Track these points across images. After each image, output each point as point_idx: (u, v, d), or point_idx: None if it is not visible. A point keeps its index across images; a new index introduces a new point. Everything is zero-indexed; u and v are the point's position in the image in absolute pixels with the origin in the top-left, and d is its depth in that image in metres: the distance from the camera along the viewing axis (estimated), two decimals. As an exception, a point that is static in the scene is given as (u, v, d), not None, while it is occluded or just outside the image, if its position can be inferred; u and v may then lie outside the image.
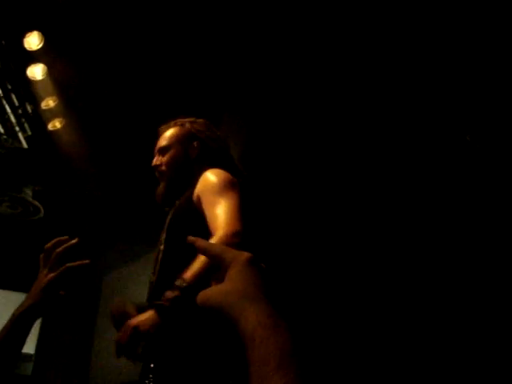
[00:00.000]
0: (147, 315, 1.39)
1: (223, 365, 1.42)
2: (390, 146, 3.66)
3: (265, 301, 0.61)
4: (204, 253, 0.71)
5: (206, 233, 1.52)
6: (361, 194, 3.75)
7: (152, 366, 1.49)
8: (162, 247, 1.68)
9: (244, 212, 1.55)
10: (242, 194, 1.61)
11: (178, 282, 1.41)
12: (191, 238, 0.71)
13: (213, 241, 1.44)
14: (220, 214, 1.52)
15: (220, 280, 0.66)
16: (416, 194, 3.63)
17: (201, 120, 1.90)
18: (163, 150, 1.83)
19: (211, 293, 0.65)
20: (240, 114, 3.63)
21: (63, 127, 3.57)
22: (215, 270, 1.36)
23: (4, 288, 3.92)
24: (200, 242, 0.71)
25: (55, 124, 3.57)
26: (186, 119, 1.89)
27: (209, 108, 3.69)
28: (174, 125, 1.88)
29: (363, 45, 3.33)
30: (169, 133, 1.86)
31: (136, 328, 1.37)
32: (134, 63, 3.57)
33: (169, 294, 1.40)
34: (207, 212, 1.56)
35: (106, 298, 4.03)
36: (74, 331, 4.04)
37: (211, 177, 1.64)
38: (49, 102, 3.54)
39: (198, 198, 1.63)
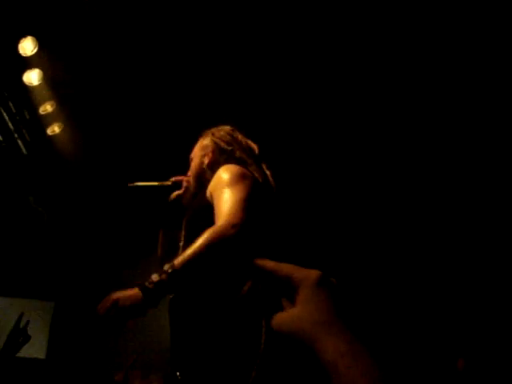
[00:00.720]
0: (131, 292, 1.40)
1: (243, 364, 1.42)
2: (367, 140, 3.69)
3: (341, 326, 0.60)
4: (273, 273, 0.68)
5: None
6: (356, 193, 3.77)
7: (178, 374, 1.51)
8: (181, 244, 1.71)
9: (251, 204, 1.55)
10: (254, 188, 1.61)
11: (165, 267, 1.42)
12: (259, 262, 0.69)
13: (210, 231, 1.45)
14: (223, 204, 1.53)
15: (291, 300, 0.65)
16: (416, 194, 3.65)
17: (225, 127, 1.96)
18: (190, 161, 1.95)
19: (284, 318, 0.63)
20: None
21: (62, 131, 3.56)
22: (207, 258, 1.40)
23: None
24: (268, 264, 0.69)
25: (54, 129, 3.56)
26: (212, 129, 1.96)
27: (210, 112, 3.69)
28: (200, 136, 1.97)
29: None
30: (196, 145, 1.96)
31: (116, 301, 1.39)
32: (130, 65, 3.56)
33: (155, 276, 1.40)
34: (215, 205, 1.58)
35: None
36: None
37: (222, 172, 1.66)
38: (47, 107, 3.53)
39: (211, 194, 1.65)
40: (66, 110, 3.58)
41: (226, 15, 3.30)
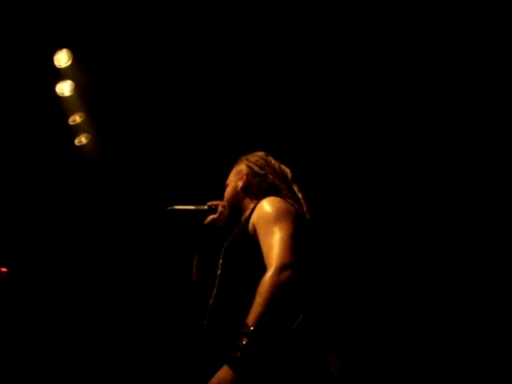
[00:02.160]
0: (224, 371, 1.41)
1: None
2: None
3: None
4: None
5: (260, 261, 1.57)
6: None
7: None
8: (218, 272, 1.74)
9: (298, 241, 1.58)
10: (297, 221, 1.65)
11: (243, 329, 1.43)
12: None
13: (266, 282, 1.49)
14: (272, 246, 1.56)
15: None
16: (416, 194, 3.65)
17: (259, 152, 2.01)
18: (226, 187, 2.02)
19: None
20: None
21: (89, 142, 3.63)
22: (273, 308, 1.43)
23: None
24: None
25: (81, 139, 3.63)
26: (246, 155, 2.02)
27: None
28: (235, 163, 2.04)
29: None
30: (232, 171, 2.03)
31: None
32: (160, 79, 3.62)
33: (238, 343, 1.41)
34: (262, 243, 1.61)
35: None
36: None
37: (266, 206, 1.69)
38: (76, 118, 3.59)
39: (254, 227, 1.68)
40: (94, 122, 3.64)
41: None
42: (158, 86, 3.66)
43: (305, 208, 1.82)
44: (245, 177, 1.92)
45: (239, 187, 1.92)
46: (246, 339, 1.41)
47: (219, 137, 3.66)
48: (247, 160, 1.98)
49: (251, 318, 1.44)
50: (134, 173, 3.75)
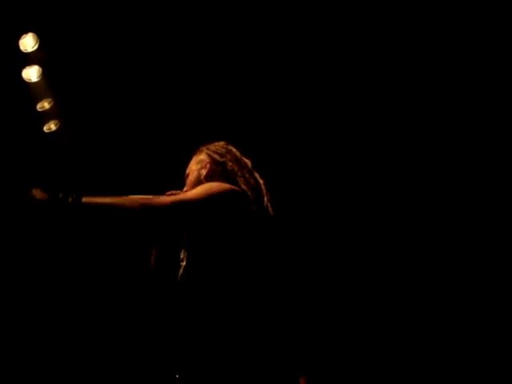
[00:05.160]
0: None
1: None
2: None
3: None
4: None
5: (226, 250, 1.63)
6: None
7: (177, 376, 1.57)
8: (183, 263, 1.75)
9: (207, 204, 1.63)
10: (230, 195, 1.69)
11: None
12: None
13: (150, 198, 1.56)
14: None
15: None
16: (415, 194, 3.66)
17: (219, 142, 2.04)
18: (186, 177, 2.02)
19: None
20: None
21: (59, 129, 3.56)
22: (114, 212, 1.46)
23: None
24: None
25: (51, 126, 3.56)
26: (206, 145, 2.04)
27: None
28: (194, 154, 2.05)
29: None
30: (191, 161, 2.04)
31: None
32: (130, 63, 3.56)
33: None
34: None
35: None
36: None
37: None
38: (44, 104, 3.52)
39: None
40: (63, 108, 3.57)
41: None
42: (127, 69, 3.60)
43: (262, 194, 1.85)
44: (208, 165, 1.93)
45: (202, 176, 1.91)
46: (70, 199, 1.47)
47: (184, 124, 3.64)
48: (208, 149, 2.00)
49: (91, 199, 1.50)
50: (105, 159, 3.69)
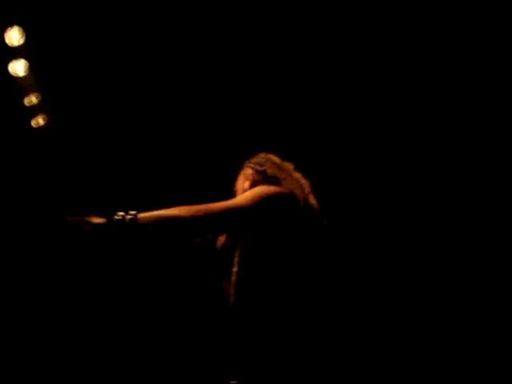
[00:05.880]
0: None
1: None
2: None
3: None
4: None
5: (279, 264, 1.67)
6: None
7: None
8: (233, 278, 1.77)
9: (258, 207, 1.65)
10: (272, 203, 1.71)
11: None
12: None
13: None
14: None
15: None
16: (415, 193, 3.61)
17: (259, 154, 2.15)
18: (235, 194, 2.10)
19: None
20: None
21: (47, 124, 3.47)
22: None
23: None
24: None
25: (38, 121, 3.47)
26: (249, 159, 2.17)
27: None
28: (239, 172, 2.16)
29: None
30: (237, 180, 2.15)
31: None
32: (119, 56, 3.53)
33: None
34: None
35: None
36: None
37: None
38: (32, 99, 3.44)
39: None
40: (52, 103, 3.49)
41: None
42: (117, 64, 3.57)
43: (308, 193, 1.91)
44: (250, 177, 2.04)
45: (247, 187, 2.00)
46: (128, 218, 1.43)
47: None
48: (249, 162, 2.13)
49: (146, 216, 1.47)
50: (94, 153, 3.62)
